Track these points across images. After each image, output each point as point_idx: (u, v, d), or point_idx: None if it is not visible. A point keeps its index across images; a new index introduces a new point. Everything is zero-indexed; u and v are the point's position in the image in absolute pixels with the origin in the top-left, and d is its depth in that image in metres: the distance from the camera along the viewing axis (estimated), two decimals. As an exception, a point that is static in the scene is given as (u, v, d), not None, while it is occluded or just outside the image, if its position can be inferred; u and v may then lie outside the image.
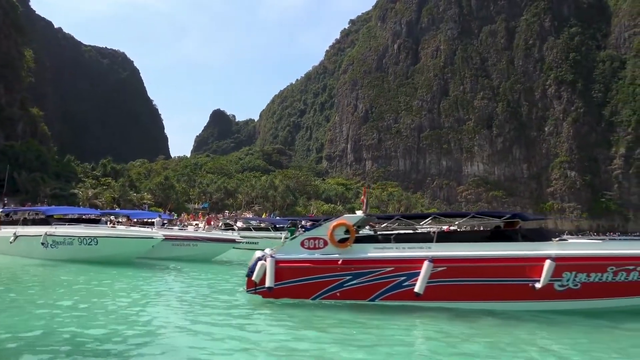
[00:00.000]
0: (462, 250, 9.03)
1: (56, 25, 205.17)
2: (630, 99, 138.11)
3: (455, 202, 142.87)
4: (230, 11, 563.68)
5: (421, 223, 10.59)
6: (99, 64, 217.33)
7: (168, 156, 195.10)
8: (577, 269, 8.57)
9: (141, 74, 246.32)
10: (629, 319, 8.74)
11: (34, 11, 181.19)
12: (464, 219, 10.36)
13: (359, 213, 10.31)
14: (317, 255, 9.46)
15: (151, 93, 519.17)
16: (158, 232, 20.08)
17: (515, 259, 8.75)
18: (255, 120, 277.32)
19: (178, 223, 35.61)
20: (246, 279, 9.83)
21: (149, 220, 28.64)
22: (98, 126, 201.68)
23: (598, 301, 8.74)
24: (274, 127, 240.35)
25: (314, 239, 9.57)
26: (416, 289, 8.69)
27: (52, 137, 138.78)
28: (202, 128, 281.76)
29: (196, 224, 38.59)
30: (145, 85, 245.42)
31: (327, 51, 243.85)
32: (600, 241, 10.29)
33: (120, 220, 25.89)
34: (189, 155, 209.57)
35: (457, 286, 8.89)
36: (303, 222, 29.94)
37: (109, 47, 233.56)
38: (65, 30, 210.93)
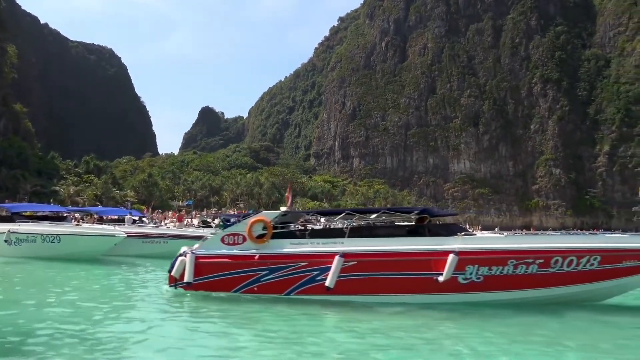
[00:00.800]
0: (371, 245, 9.29)
1: (42, 21, 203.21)
2: (615, 98, 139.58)
3: (442, 200, 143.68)
4: (220, 7, 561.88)
5: (336, 219, 10.86)
6: (86, 60, 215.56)
7: (156, 153, 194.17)
8: (479, 262, 8.86)
9: (129, 70, 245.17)
10: (531, 311, 9.01)
11: (20, 6, 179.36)
12: (376, 215, 10.64)
13: (283, 209, 10.57)
14: (235, 250, 9.75)
15: (140, 90, 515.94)
16: (120, 230, 20.28)
17: (420, 254, 9.02)
18: (244, 118, 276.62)
19: (150, 220, 35.54)
20: (168, 274, 10.04)
21: (121, 218, 28.78)
22: (85, 123, 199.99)
23: (500, 293, 9.04)
24: (262, 124, 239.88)
25: (234, 235, 9.85)
26: (327, 283, 8.96)
27: (38, 133, 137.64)
28: (191, 125, 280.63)
29: (170, 222, 38.56)
30: (133, 81, 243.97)
31: (316, 49, 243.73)
32: (503, 235, 10.58)
33: (83, 217, 25.93)
34: (178, 152, 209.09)
35: (366, 280, 9.16)
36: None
37: (96, 43, 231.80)
38: (52, 26, 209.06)
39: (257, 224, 9.65)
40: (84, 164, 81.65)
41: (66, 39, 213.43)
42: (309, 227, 10.75)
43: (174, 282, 9.77)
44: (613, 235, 10.82)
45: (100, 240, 18.89)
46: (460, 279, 8.86)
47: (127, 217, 28.14)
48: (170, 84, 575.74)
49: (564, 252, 8.88)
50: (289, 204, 11.43)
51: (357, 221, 11.07)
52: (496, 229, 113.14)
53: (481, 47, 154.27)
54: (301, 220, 11.34)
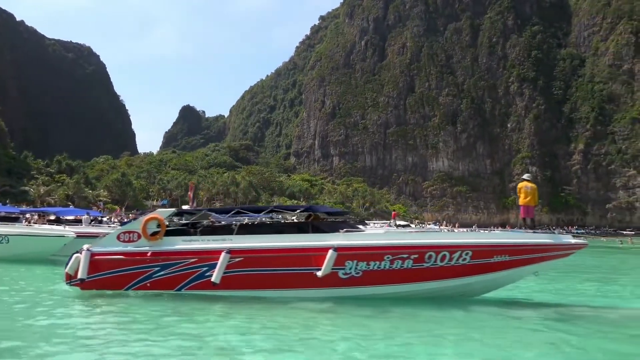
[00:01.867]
0: (257, 241, 9.53)
1: (18, 19, 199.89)
2: (589, 97, 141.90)
3: (421, 198, 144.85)
4: (202, 4, 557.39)
5: (227, 216, 11.05)
6: (64, 58, 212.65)
7: (135, 152, 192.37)
8: (358, 258, 9.16)
9: (109, 69, 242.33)
10: (407, 304, 9.35)
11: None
12: (265, 212, 10.89)
13: (185, 207, 10.81)
14: (130, 248, 9.94)
15: (120, 88, 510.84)
16: (70, 231, 20.37)
17: (301, 250, 9.31)
18: (226, 116, 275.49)
19: (109, 219, 35.31)
20: (64, 271, 10.15)
21: (78, 218, 28.64)
22: (63, 122, 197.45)
23: (379, 288, 9.36)
24: (243, 123, 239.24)
25: (129, 232, 10.03)
26: (213, 278, 9.21)
27: (14, 132, 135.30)
28: (172, 124, 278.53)
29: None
30: (112, 80, 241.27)
31: (297, 47, 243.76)
32: (384, 231, 10.90)
33: (36, 218, 25.82)
34: (158, 151, 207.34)
35: (252, 275, 9.43)
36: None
37: (74, 41, 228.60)
38: (28, 23, 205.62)
39: (151, 222, 9.89)
40: (55, 163, 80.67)
41: (43, 36, 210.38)
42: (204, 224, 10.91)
43: (69, 279, 9.92)
44: (486, 231, 11.26)
45: (49, 241, 19.04)
46: (340, 274, 9.18)
47: (85, 217, 28.07)
48: (151, 82, 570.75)
49: (437, 248, 9.26)
50: (191, 203, 11.66)
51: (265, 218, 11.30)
52: (474, 226, 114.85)
53: (459, 47, 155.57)
54: (192, 219, 11.48)
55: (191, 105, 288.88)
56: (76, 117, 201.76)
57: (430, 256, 9.18)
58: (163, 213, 10.11)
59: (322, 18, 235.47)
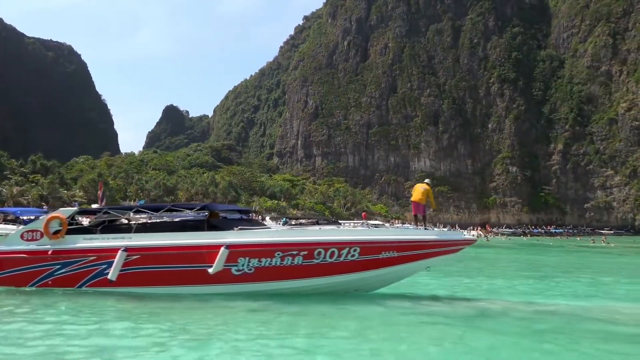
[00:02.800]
0: (153, 239, 9.63)
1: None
2: (568, 97, 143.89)
3: (403, 198, 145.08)
4: (186, 4, 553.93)
5: (126, 215, 11.11)
6: (43, 57, 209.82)
7: (118, 152, 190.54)
8: (250, 255, 9.36)
9: (92, 68, 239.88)
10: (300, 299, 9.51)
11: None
12: (163, 210, 10.98)
13: (95, 206, 10.86)
14: (32, 246, 10.04)
15: (103, 87, 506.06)
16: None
17: (195, 247, 9.45)
18: (209, 116, 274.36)
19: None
20: None
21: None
22: (44, 122, 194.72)
23: (271, 284, 9.57)
24: (227, 123, 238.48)
25: (32, 231, 10.12)
26: (109, 276, 9.32)
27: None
28: (155, 124, 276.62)
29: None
30: (93, 79, 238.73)
31: (281, 47, 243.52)
32: (276, 229, 11.08)
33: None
34: (142, 151, 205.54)
35: (148, 273, 9.54)
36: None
37: (54, 39, 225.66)
38: (7, 21, 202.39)
39: (53, 221, 10.02)
40: (30, 163, 79.59)
41: (23, 35, 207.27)
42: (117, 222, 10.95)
43: None
44: (375, 228, 11.51)
45: None
46: (233, 270, 9.42)
47: (43, 217, 27.71)
48: (135, 82, 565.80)
49: (326, 244, 9.51)
50: (100, 202, 11.84)
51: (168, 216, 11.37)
52: (456, 225, 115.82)
53: (441, 47, 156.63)
54: (93, 217, 11.57)
55: (175, 105, 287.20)
56: (57, 116, 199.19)
57: (319, 253, 9.48)
58: (65, 212, 10.28)
59: (306, 18, 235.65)
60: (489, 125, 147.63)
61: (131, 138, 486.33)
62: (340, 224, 45.76)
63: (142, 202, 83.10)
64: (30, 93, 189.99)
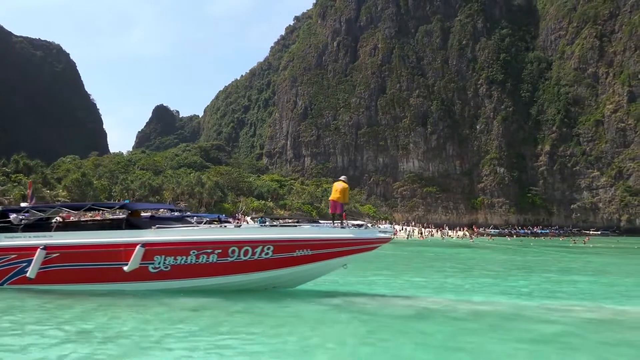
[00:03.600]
0: (72, 238, 9.64)
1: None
2: (555, 99, 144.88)
3: (391, 198, 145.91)
4: (179, 3, 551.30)
5: (48, 213, 11.12)
6: (31, 56, 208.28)
7: (107, 152, 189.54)
8: (166, 253, 9.43)
9: (81, 67, 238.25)
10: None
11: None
12: (84, 209, 11.01)
13: (23, 204, 10.79)
14: None
15: (93, 87, 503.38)
16: None
17: (112, 246, 9.44)
18: (200, 116, 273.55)
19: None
20: None
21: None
22: (32, 121, 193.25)
23: (188, 281, 9.65)
24: (217, 123, 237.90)
25: None
26: (28, 274, 9.31)
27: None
28: (145, 124, 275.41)
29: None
30: (82, 79, 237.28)
31: (272, 47, 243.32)
32: (194, 227, 11.06)
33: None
34: (131, 151, 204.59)
35: (67, 270, 9.55)
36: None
37: (43, 38, 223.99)
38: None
39: None
40: (13, 163, 78.98)
41: (10, 33, 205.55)
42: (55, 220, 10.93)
43: None
44: (291, 227, 11.58)
45: None
46: (150, 268, 9.49)
47: (13, 216, 27.49)
48: (126, 81, 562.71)
49: (239, 243, 9.63)
50: (29, 200, 11.82)
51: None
52: (444, 226, 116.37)
53: (430, 49, 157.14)
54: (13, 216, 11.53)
55: (165, 105, 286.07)
56: (45, 116, 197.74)
57: (233, 251, 9.65)
58: None
59: (296, 18, 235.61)
60: (477, 126, 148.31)
61: (121, 138, 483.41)
62: (321, 223, 45.84)
63: (126, 201, 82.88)
64: (17, 92, 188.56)
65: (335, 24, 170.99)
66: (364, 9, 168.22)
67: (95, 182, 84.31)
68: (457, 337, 7.90)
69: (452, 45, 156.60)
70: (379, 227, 51.10)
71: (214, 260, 9.60)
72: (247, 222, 53.38)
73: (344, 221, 11.41)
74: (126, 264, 9.39)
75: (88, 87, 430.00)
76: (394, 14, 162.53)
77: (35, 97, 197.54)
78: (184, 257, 9.58)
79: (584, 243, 64.32)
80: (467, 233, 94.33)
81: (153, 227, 9.95)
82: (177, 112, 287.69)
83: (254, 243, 9.74)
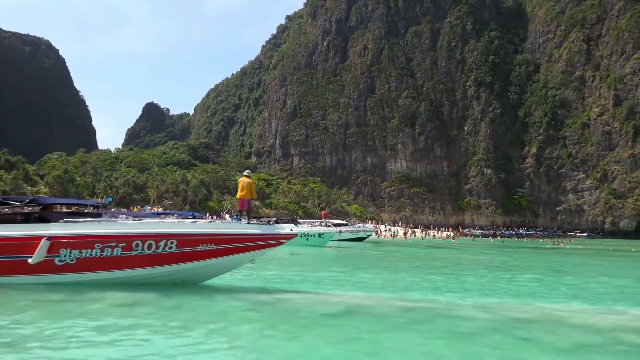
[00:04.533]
0: None
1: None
2: (543, 102, 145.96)
3: (379, 198, 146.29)
4: (175, 1, 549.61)
5: None
6: (20, 52, 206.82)
7: (94, 149, 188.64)
8: (71, 246, 9.62)
9: (71, 64, 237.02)
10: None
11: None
12: None
13: None
14: None
15: (84, 84, 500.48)
16: None
17: (18, 239, 9.63)
18: (190, 114, 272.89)
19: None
20: None
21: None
22: (20, 117, 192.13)
23: (93, 274, 9.84)
24: (208, 121, 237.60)
25: None
26: None
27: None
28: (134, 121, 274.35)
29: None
30: (72, 75, 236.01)
31: (263, 46, 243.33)
32: (100, 221, 11.23)
33: None
34: (120, 148, 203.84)
35: None
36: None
37: (32, 34, 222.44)
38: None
39: None
40: (-6, 158, 78.43)
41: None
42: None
43: None
44: (195, 222, 11.75)
45: None
46: (56, 261, 9.67)
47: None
48: (117, 79, 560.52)
49: (143, 237, 9.79)
50: None
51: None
52: (431, 226, 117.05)
53: (419, 50, 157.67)
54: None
55: (155, 102, 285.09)
56: (33, 112, 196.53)
57: (137, 244, 9.82)
58: None
59: (288, 18, 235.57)
60: (465, 128, 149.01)
61: (112, 135, 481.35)
62: (299, 222, 46.16)
63: (110, 199, 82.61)
64: (5, 88, 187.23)
65: (325, 23, 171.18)
66: (354, 9, 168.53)
67: (78, 179, 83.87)
68: (366, 331, 8.03)
69: (442, 47, 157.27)
70: (359, 226, 51.20)
71: (119, 254, 9.85)
72: (226, 220, 53.51)
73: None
74: (31, 257, 9.59)
75: (78, 84, 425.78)
76: (384, 15, 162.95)
77: (24, 93, 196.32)
78: (89, 250, 9.81)
79: (563, 244, 64.91)
80: (450, 234, 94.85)
81: (60, 221, 10.21)
82: (168, 109, 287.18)
83: (157, 237, 9.95)
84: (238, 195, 12.91)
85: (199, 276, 10.85)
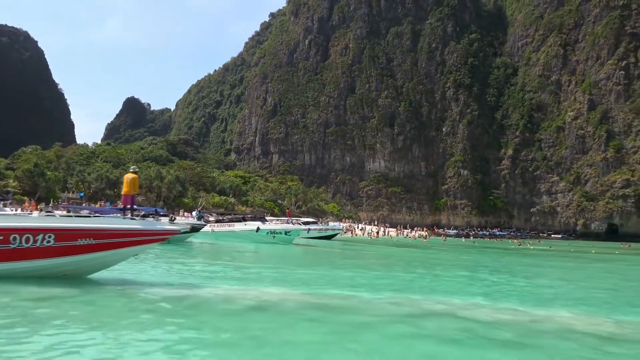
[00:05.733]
0: None
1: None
2: (519, 104, 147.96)
3: (357, 197, 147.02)
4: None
5: None
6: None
7: (71, 143, 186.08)
8: None
9: (52, 57, 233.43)
10: None
11: None
12: None
13: None
14: None
15: (65, 77, 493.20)
16: None
17: None
18: (172, 110, 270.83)
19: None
20: None
21: None
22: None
23: None
24: (189, 117, 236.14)
25: None
26: None
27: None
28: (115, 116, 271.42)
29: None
30: (51, 68, 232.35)
31: (246, 43, 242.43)
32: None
33: None
34: (96, 143, 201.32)
35: None
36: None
37: (9, 24, 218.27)
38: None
39: None
40: (-38, 151, 77.07)
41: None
42: None
43: None
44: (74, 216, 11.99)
45: None
46: None
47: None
48: (99, 72, 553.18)
49: (21, 231, 9.95)
50: None
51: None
52: (407, 226, 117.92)
53: (400, 50, 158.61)
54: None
55: (136, 97, 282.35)
56: (10, 104, 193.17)
57: (14, 238, 10.02)
58: None
59: (272, 15, 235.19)
60: (444, 129, 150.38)
61: (92, 130, 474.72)
62: (265, 220, 46.05)
63: (82, 194, 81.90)
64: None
65: (307, 22, 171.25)
66: (337, 8, 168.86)
67: (49, 174, 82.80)
68: (252, 326, 8.27)
69: (422, 48, 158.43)
70: (328, 224, 51.40)
71: None
72: (192, 217, 53.39)
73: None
74: None
75: (58, 77, 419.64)
76: (366, 15, 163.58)
77: (2, 85, 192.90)
78: None
79: (529, 245, 66.03)
80: (423, 233, 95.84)
81: None
82: (149, 104, 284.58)
83: (35, 231, 10.15)
84: (122, 191, 13.13)
85: (81, 270, 11.05)
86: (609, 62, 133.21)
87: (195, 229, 36.54)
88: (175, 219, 40.33)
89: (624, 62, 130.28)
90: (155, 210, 41.30)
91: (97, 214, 13.48)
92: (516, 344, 7.87)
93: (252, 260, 23.94)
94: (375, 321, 8.99)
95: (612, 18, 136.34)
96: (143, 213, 41.18)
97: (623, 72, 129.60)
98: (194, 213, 54.54)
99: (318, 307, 10.18)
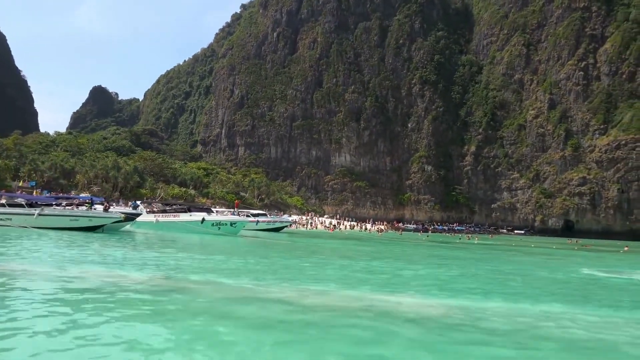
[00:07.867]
0: None
1: None
2: (483, 102, 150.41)
3: (322, 191, 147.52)
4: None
5: None
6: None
7: (33, 131, 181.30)
8: None
9: (16, 43, 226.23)
10: None
11: None
12: None
13: None
14: None
15: (33, 65, 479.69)
16: None
17: None
18: (140, 100, 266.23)
19: None
20: None
21: None
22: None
23: None
24: (157, 108, 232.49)
25: None
26: None
27: None
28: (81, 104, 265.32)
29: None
30: (14, 53, 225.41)
31: (216, 34, 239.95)
32: None
33: None
34: (57, 132, 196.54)
35: None
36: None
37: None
38: None
39: None
40: None
41: None
42: None
43: None
44: None
45: None
46: None
47: None
48: (69, 61, 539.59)
49: None
50: None
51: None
52: (369, 220, 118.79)
53: (367, 46, 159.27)
54: None
55: (103, 86, 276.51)
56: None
57: None
58: None
59: (243, 6, 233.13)
60: (409, 125, 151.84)
61: (59, 119, 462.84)
62: (211, 211, 46.09)
63: (33, 183, 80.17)
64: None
65: (276, 14, 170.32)
66: (306, 2, 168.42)
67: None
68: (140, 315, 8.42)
69: (389, 44, 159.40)
70: (277, 216, 51.59)
71: None
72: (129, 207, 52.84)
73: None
74: None
75: (25, 65, 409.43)
76: (335, 9, 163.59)
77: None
78: None
79: (477, 240, 67.52)
80: (381, 227, 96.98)
81: None
82: (117, 94, 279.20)
83: None
84: None
85: None
86: (569, 62, 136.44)
87: (129, 219, 36.37)
88: (109, 208, 39.98)
89: (583, 62, 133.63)
90: (90, 199, 40.88)
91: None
92: (319, 325, 8.19)
93: (167, 248, 23.89)
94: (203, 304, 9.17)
95: (573, 19, 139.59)
96: (78, 202, 40.75)
97: (582, 73, 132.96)
98: (130, 203, 54.24)
99: (173, 291, 10.38)
